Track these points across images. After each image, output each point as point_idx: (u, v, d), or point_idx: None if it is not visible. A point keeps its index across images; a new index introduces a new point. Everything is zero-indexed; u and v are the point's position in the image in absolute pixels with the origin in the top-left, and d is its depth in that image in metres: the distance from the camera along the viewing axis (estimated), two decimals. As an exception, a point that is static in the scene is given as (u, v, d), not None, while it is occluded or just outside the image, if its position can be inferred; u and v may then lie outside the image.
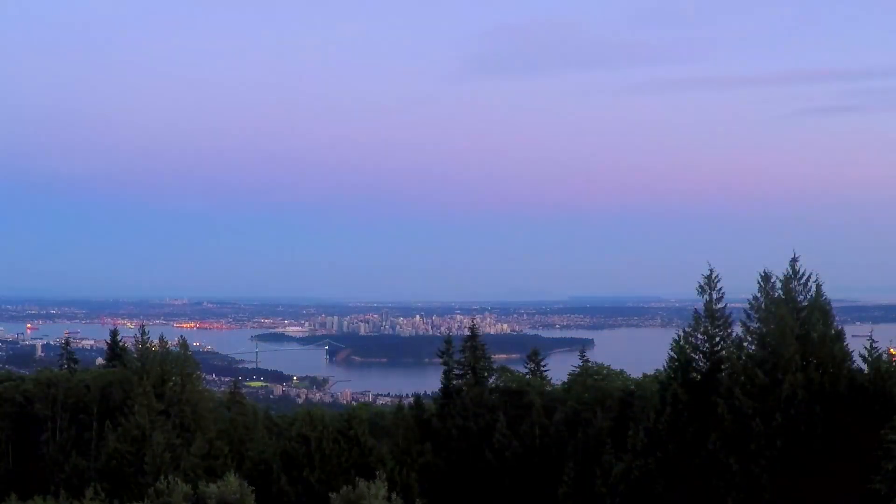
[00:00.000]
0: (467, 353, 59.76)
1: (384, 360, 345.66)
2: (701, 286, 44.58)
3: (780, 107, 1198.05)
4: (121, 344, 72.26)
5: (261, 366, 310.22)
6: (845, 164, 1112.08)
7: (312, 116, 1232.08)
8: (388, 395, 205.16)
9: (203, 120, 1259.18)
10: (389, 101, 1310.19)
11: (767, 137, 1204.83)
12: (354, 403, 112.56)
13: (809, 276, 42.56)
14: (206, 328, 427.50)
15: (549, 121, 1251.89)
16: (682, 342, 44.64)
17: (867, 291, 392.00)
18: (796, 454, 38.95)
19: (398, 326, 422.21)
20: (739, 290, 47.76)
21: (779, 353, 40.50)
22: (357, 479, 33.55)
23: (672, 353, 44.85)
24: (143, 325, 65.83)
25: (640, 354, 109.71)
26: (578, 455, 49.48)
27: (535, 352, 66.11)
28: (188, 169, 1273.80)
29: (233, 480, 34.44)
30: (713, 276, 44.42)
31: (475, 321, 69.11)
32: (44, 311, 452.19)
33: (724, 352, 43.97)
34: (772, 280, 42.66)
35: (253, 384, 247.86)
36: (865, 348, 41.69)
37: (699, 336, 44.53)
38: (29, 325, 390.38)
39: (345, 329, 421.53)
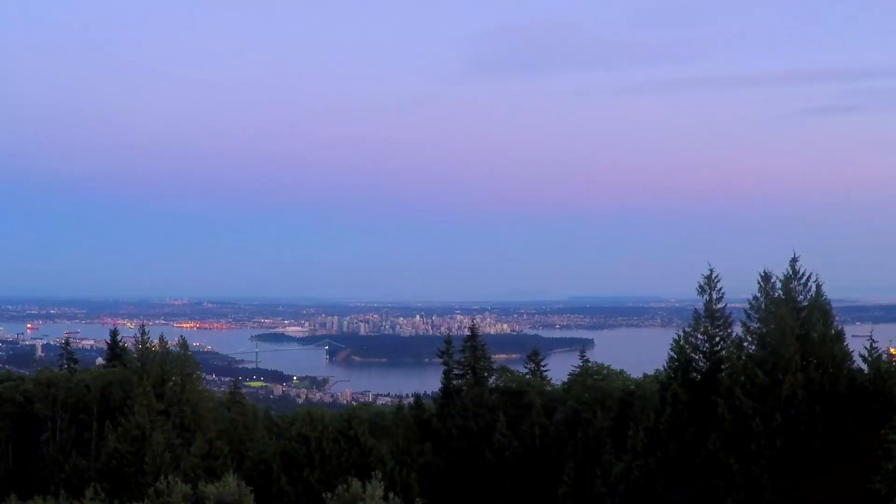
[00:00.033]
0: (467, 353, 59.72)
1: (384, 360, 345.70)
2: (701, 286, 44.52)
3: (780, 107, 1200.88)
4: (121, 344, 72.18)
5: (261, 366, 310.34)
6: (845, 164, 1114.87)
7: (312, 116, 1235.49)
8: (388, 395, 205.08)
9: (203, 120, 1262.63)
10: (389, 101, 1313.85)
11: (767, 137, 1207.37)
12: (354, 403, 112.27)
13: (809, 276, 42.54)
14: (206, 328, 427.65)
15: (548, 121, 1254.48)
16: (682, 342, 44.60)
17: (867, 291, 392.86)
18: (796, 454, 38.92)
19: (398, 326, 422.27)
20: (739, 290, 47.77)
21: (779, 353, 40.46)
22: (353, 479, 33.36)
23: (672, 353, 44.81)
24: (143, 325, 65.57)
25: (640, 354, 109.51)
26: (578, 455, 49.45)
27: (535, 352, 66.10)
28: (188, 169, 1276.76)
29: (231, 481, 34.30)
30: (713, 276, 44.37)
31: (475, 321, 69.11)
32: (44, 311, 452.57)
33: (724, 352, 43.92)
34: (772, 280, 42.61)
35: (253, 384, 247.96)
36: (865, 348, 41.62)
37: (699, 336, 44.48)
38: (29, 325, 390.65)
39: (345, 329, 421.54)
